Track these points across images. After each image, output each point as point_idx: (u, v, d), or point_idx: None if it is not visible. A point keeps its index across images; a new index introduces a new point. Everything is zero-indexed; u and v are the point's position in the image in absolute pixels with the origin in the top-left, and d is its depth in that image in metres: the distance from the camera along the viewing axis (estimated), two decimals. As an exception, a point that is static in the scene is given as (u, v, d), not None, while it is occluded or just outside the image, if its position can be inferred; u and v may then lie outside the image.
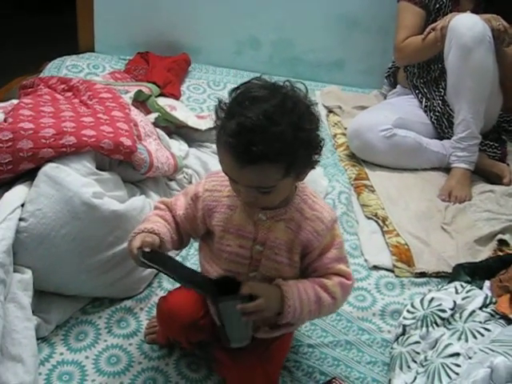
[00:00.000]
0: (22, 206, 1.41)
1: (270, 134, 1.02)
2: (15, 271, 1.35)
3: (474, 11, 2.24)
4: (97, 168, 1.56)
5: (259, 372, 1.30)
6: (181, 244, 1.32)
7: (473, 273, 1.68)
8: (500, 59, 2.21)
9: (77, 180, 1.44)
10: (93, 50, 2.79)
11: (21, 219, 1.38)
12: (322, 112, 2.62)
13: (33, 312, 1.36)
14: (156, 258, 1.17)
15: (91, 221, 1.43)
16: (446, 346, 1.39)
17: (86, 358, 1.40)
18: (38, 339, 1.35)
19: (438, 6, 2.37)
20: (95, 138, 1.53)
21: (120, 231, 1.48)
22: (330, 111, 2.62)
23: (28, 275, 1.37)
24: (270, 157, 1.03)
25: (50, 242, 1.39)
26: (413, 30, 2.36)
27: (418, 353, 1.43)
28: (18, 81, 2.46)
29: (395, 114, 2.29)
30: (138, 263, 1.17)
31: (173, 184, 1.87)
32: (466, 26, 2.12)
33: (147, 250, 1.16)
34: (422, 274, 1.78)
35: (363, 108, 2.54)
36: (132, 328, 1.49)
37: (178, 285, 1.58)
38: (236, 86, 1.11)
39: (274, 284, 1.19)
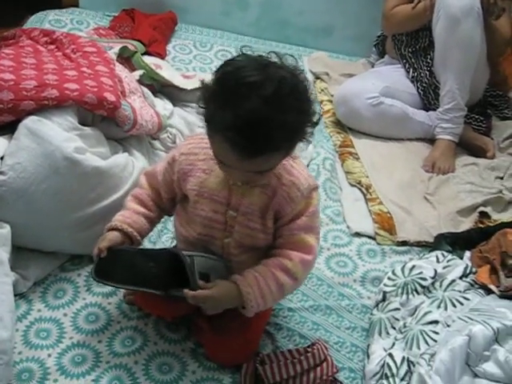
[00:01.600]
0: (1, 159, 1.37)
1: (273, 125, 0.98)
2: (-7, 225, 1.32)
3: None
4: (79, 123, 1.53)
5: (239, 340, 1.30)
6: (161, 215, 1.34)
7: (454, 243, 1.69)
8: (489, 32, 2.20)
9: (59, 134, 1.41)
10: (77, 5, 2.70)
11: (-1, 172, 1.35)
12: (308, 78, 2.58)
13: (11, 268, 1.33)
14: (107, 272, 1.21)
15: (72, 176, 1.40)
16: (426, 314, 1.41)
17: (64, 315, 1.38)
18: (15, 295, 1.33)
19: (428, -25, 2.33)
20: (78, 92, 1.49)
21: (102, 188, 1.46)
22: (317, 77, 2.58)
23: (6, 230, 1.33)
24: (272, 147, 1.01)
25: (29, 196, 1.35)
26: None
27: (398, 319, 1.44)
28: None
29: (382, 83, 2.27)
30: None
31: (156, 143, 1.83)
32: None
33: (102, 255, 1.20)
34: (404, 243, 1.78)
35: (350, 76, 2.52)
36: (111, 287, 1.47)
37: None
38: (221, 64, 1.05)
39: (232, 281, 1.18)
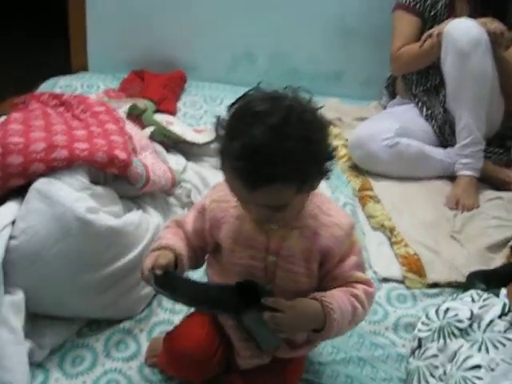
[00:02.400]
0: (13, 223, 1.34)
1: (278, 153, 0.95)
2: (6, 292, 1.28)
3: (470, 16, 2.20)
4: (91, 183, 1.50)
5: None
6: (197, 262, 1.24)
7: (487, 281, 1.61)
8: (499, 63, 2.17)
9: (70, 195, 1.38)
10: (86, 70, 2.74)
11: (11, 237, 1.31)
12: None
13: (25, 336, 1.28)
14: (167, 282, 1.09)
15: (85, 237, 1.35)
16: (466, 359, 1.31)
17: (84, 383, 1.31)
18: (31, 364, 1.27)
19: (433, 13, 2.33)
20: (88, 152, 1.47)
21: (116, 248, 1.41)
22: (330, 123, 2.55)
23: (19, 296, 1.29)
24: (281, 177, 0.97)
25: (42, 260, 1.31)
26: (408, 39, 2.32)
27: (437, 366, 1.35)
28: (10, 101, 2.40)
29: (397, 123, 2.23)
30: (148, 284, 1.12)
31: (171, 199, 1.80)
32: (461, 30, 2.08)
33: (159, 272, 1.08)
34: (435, 285, 1.70)
35: (363, 119, 2.49)
36: (132, 350, 1.41)
37: (179, 309, 1.51)
38: (234, 100, 1.04)
39: (312, 297, 1.11)
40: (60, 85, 2.55)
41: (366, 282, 1.16)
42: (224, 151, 1.01)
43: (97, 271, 1.39)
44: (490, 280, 1.61)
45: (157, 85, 2.47)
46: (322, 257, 1.13)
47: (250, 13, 2.70)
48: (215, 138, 1.05)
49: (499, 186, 2.23)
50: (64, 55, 2.76)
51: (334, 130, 2.49)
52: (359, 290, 1.13)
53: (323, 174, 1.05)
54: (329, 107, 2.65)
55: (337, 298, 1.10)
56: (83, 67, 2.73)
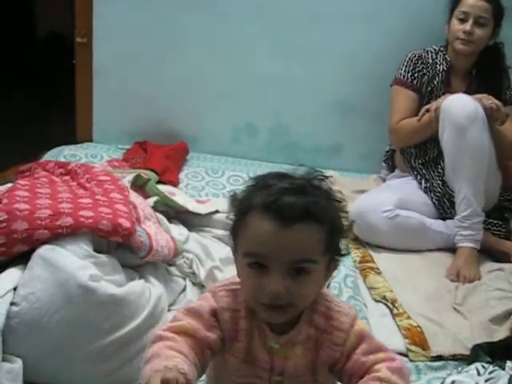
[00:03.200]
0: (15, 289, 1.33)
1: (309, 196, 0.97)
2: (4, 360, 1.26)
3: (466, 92, 2.27)
4: (95, 251, 1.50)
5: None
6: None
7: (492, 353, 1.58)
8: (496, 137, 2.22)
9: (73, 262, 1.38)
10: (91, 140, 2.80)
11: (12, 303, 1.30)
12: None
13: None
14: None
15: (87, 305, 1.35)
16: (474, 433, 1.28)
17: None
18: None
19: (429, 88, 2.41)
20: (93, 219, 1.48)
21: (118, 317, 1.40)
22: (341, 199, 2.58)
23: (18, 364, 1.27)
24: (314, 214, 0.96)
25: (42, 328, 1.30)
26: (406, 113, 2.39)
27: None
28: (15, 169, 2.44)
29: (397, 195, 2.26)
30: None
31: (173, 269, 1.79)
32: (458, 106, 2.14)
33: None
34: (439, 357, 1.67)
35: (363, 192, 2.52)
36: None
37: None
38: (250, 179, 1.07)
39: None
40: (64, 154, 2.59)
41: (387, 359, 1.05)
42: (246, 202, 1.00)
43: (98, 340, 1.36)
44: (494, 352, 1.59)
45: (159, 156, 2.51)
46: (330, 366, 1.08)
47: (252, 87, 2.79)
48: (226, 211, 1.06)
49: (499, 257, 2.24)
50: (69, 126, 2.82)
51: (334, 202, 2.52)
52: (382, 370, 1.02)
53: (340, 247, 1.04)
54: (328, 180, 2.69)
55: None
56: (88, 138, 2.79)
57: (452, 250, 2.22)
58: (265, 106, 2.81)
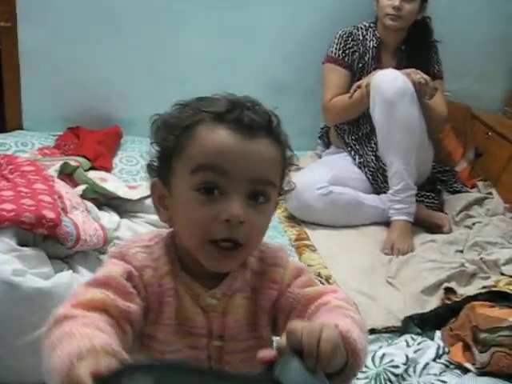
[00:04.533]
0: None
1: (262, 110, 0.86)
2: None
3: (396, 67, 2.31)
4: (20, 244, 1.46)
5: None
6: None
7: (422, 324, 1.64)
8: (425, 112, 2.27)
9: (-5, 257, 1.33)
10: (21, 128, 2.71)
11: None
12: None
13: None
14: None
15: (12, 300, 1.30)
16: (403, 404, 1.32)
17: None
18: None
19: (361, 65, 2.43)
20: (15, 212, 1.43)
21: (45, 310, 1.36)
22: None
23: None
24: (274, 130, 0.85)
25: (-34, 327, 1.26)
26: (339, 90, 2.40)
27: (374, 414, 1.35)
28: None
29: (330, 172, 2.28)
30: None
31: (104, 257, 1.76)
32: (387, 81, 2.17)
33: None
34: (372, 331, 1.70)
35: (299, 169, 2.53)
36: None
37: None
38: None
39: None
40: (-7, 144, 2.50)
41: (329, 290, 0.90)
42: (190, 121, 0.84)
43: (25, 335, 1.33)
44: (424, 323, 1.64)
45: (92, 141, 2.45)
46: (271, 314, 0.93)
47: (186, 69, 2.74)
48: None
49: (433, 229, 2.30)
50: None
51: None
52: (332, 301, 0.85)
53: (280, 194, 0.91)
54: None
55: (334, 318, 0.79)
56: (18, 126, 2.69)
57: (387, 223, 2.26)
58: (197, 87, 2.75)
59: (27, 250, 1.45)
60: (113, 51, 2.67)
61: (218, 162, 0.81)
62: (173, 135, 0.85)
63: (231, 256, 0.84)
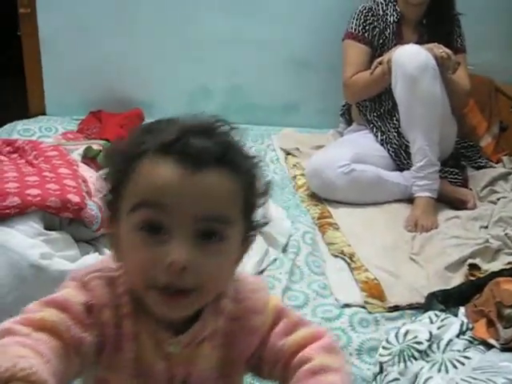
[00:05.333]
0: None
1: (220, 137, 0.74)
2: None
3: (418, 42, 2.27)
4: (46, 228, 1.50)
5: None
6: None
7: (446, 300, 1.63)
8: (448, 86, 2.24)
9: (23, 242, 1.38)
10: (44, 113, 2.74)
11: (-36, 288, 1.30)
12: (280, 155, 2.59)
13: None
14: None
15: (41, 283, 1.35)
16: (427, 380, 1.32)
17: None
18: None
19: (381, 41, 2.40)
20: (41, 197, 1.47)
21: (73, 292, 1.40)
22: (288, 153, 2.59)
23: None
24: (228, 159, 0.73)
25: (-4, 309, 1.30)
26: (359, 67, 2.38)
27: (398, 390, 1.36)
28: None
29: (352, 150, 2.27)
30: None
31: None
32: (409, 56, 2.14)
33: None
34: (395, 308, 1.71)
35: (320, 148, 2.53)
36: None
37: None
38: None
39: None
40: (18, 129, 2.54)
41: (313, 337, 0.82)
42: (135, 153, 0.73)
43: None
44: (448, 300, 1.63)
45: (114, 125, 2.48)
46: (249, 361, 0.85)
47: (205, 49, 2.75)
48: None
49: (457, 205, 2.28)
50: (21, 99, 2.75)
51: (292, 160, 2.54)
52: (314, 357, 0.78)
53: (255, 225, 0.80)
54: (286, 137, 2.70)
55: None
56: (41, 111, 2.73)
57: (410, 200, 2.25)
58: (218, 67, 2.78)
59: (54, 234, 1.48)
60: (131, 34, 2.69)
61: (158, 199, 0.71)
62: (118, 168, 0.75)
63: (180, 302, 0.73)
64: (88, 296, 0.75)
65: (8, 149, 1.81)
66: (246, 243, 0.80)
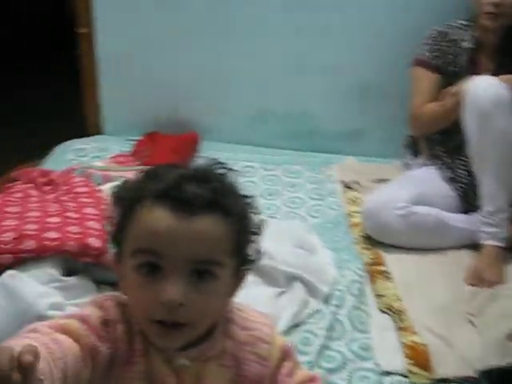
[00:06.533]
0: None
1: (213, 184, 0.81)
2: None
3: (496, 72, 2.05)
4: (68, 270, 1.43)
5: None
6: None
7: (502, 380, 1.43)
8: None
9: (33, 290, 1.32)
10: (101, 133, 2.73)
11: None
12: (338, 188, 2.43)
13: None
14: None
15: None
16: None
17: None
18: None
19: (454, 69, 2.19)
20: (59, 241, 1.41)
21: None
22: (347, 186, 2.43)
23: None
24: (220, 204, 0.80)
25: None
26: (428, 96, 2.19)
27: None
28: (22, 167, 2.40)
29: (414, 189, 2.08)
30: None
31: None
32: (481, 88, 1.93)
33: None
34: (443, 381, 1.52)
35: (382, 181, 2.35)
36: None
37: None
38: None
39: None
40: (73, 148, 2.54)
41: (310, 379, 0.99)
42: (134, 199, 0.81)
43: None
44: (504, 379, 1.43)
45: (166, 149, 2.41)
46: (257, 383, 0.93)
47: (267, 73, 2.64)
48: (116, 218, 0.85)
49: (529, 256, 2.04)
50: (78, 118, 2.76)
51: (350, 195, 2.37)
52: None
53: (248, 261, 0.87)
54: (346, 168, 2.54)
55: None
56: (98, 131, 2.72)
57: (474, 246, 2.03)
58: (279, 92, 2.66)
59: (71, 280, 1.42)
60: (192, 54, 2.61)
61: (153, 246, 0.78)
62: (121, 212, 0.83)
63: (175, 334, 0.80)
64: (104, 313, 0.84)
65: (43, 180, 1.77)
66: (238, 277, 0.87)
